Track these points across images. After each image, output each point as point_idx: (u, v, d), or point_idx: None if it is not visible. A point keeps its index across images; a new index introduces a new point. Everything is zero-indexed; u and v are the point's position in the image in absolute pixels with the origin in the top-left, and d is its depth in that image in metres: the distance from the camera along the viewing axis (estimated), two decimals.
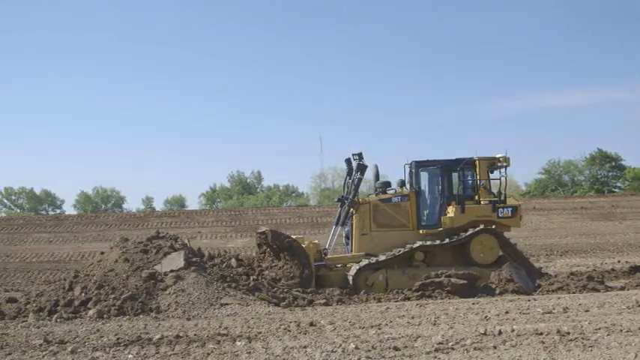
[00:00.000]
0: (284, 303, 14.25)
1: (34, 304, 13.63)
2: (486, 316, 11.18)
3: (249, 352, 8.67)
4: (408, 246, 16.98)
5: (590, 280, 16.56)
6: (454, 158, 17.84)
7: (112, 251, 15.60)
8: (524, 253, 19.75)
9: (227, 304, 13.16)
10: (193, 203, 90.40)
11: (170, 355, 8.75)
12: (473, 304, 13.26)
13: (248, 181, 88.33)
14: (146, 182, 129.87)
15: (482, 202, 17.49)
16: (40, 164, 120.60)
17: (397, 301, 14.73)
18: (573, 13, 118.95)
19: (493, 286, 15.83)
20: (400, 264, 16.99)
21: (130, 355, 8.77)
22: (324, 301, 14.92)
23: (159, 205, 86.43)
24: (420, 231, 17.59)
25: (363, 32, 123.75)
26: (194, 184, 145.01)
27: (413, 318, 11.28)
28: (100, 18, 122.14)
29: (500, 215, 17.37)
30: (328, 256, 17.80)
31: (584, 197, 49.12)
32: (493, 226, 17.23)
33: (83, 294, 13.64)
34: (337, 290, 15.94)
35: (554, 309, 11.74)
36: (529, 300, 13.66)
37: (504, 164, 17.68)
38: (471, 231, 16.95)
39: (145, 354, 8.86)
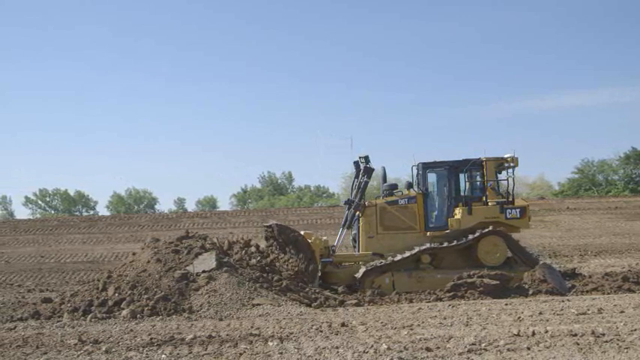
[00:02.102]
0: (316, 303, 14.24)
1: (69, 304, 13.76)
2: (519, 317, 11.08)
3: (282, 353, 8.69)
4: (417, 249, 16.83)
5: (626, 280, 16.29)
6: (461, 159, 17.68)
7: (144, 252, 15.72)
8: (538, 254, 19.53)
9: (259, 304, 13.18)
10: (225, 204, 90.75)
11: (203, 355, 8.80)
12: (506, 304, 13.15)
13: (279, 181, 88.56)
14: (178, 183, 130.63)
15: (489, 204, 17.33)
16: (73, 166, 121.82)
17: (429, 302, 14.66)
18: (603, 9, 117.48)
19: (526, 286, 15.69)
20: (407, 266, 16.85)
21: (163, 355, 8.84)
22: (355, 301, 14.89)
23: (191, 206, 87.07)
24: (428, 233, 17.48)
25: (398, 35, 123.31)
26: (225, 185, 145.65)
27: (445, 319, 11.22)
28: (139, 20, 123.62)
29: (508, 216, 17.18)
30: (336, 254, 17.79)
31: (618, 197, 48.53)
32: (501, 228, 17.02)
33: (117, 294, 13.75)
34: (369, 291, 15.90)
35: (588, 310, 11.61)
36: (563, 301, 13.51)
37: (512, 165, 17.49)
38: (478, 233, 16.78)
39: (177, 354, 8.92)
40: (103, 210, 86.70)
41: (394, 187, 18.62)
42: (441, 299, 15.00)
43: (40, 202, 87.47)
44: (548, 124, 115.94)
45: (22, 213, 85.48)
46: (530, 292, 15.29)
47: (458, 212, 17.27)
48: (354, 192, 18.15)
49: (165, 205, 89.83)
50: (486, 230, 16.78)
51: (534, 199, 49.90)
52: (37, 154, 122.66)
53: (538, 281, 15.71)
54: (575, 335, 9.15)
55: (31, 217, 69.91)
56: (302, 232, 17.21)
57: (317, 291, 15.51)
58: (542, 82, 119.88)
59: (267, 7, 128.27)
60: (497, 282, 15.35)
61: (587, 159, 65.88)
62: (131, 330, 10.97)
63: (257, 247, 16.87)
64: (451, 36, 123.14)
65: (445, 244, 16.89)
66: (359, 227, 17.91)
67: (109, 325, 11.85)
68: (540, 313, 11.41)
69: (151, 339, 9.87)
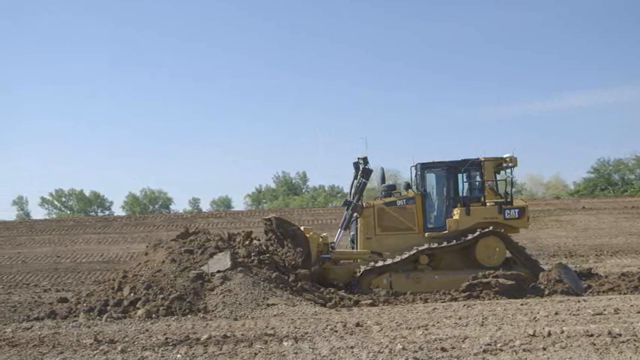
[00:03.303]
0: (330, 303, 14.27)
1: (85, 304, 13.84)
2: (535, 317, 11.03)
3: (296, 353, 8.69)
4: (415, 250, 16.75)
5: None
6: (460, 159, 17.58)
7: (157, 252, 15.80)
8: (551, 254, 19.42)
9: (274, 304, 13.21)
10: (239, 204, 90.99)
11: (218, 355, 8.82)
12: (521, 304, 13.10)
13: (293, 181, 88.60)
14: (193, 183, 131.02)
15: (488, 204, 17.24)
16: (89, 166, 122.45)
17: (444, 302, 14.64)
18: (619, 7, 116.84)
19: (542, 286, 15.62)
20: (405, 267, 16.76)
21: (178, 355, 8.86)
22: (370, 301, 14.90)
23: (205, 206, 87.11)
24: (426, 234, 17.39)
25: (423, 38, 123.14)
26: (240, 185, 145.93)
27: (460, 319, 11.19)
28: (158, 18, 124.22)
29: (506, 217, 17.09)
30: (335, 250, 17.75)
31: (635, 196, 48.15)
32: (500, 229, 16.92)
33: (132, 294, 13.82)
34: (383, 291, 15.87)
35: (605, 310, 11.54)
36: (579, 301, 13.44)
37: (511, 165, 17.37)
38: (477, 233, 16.68)
39: (193, 354, 8.94)
40: (118, 210, 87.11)
41: (392, 187, 18.62)
42: (456, 299, 14.97)
43: (56, 203, 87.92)
44: (565, 124, 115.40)
45: (38, 213, 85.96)
46: (546, 293, 15.24)
47: (456, 213, 17.20)
48: (353, 193, 18.16)
49: (180, 205, 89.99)
50: (484, 231, 16.70)
51: (550, 199, 49.68)
52: (53, 154, 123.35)
53: (554, 281, 15.64)
54: (592, 336, 9.09)
55: (47, 218, 70.25)
56: (302, 228, 17.22)
57: (332, 291, 15.55)
58: (557, 82, 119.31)
59: (280, 9, 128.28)
60: (513, 282, 15.30)
61: (603, 158, 65.53)
62: (146, 330, 11.01)
63: (257, 239, 17.04)
64: (469, 36, 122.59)
65: (443, 245, 16.81)
66: (357, 228, 17.88)
67: (125, 324, 11.90)
68: (556, 314, 11.35)
69: (167, 339, 9.90)
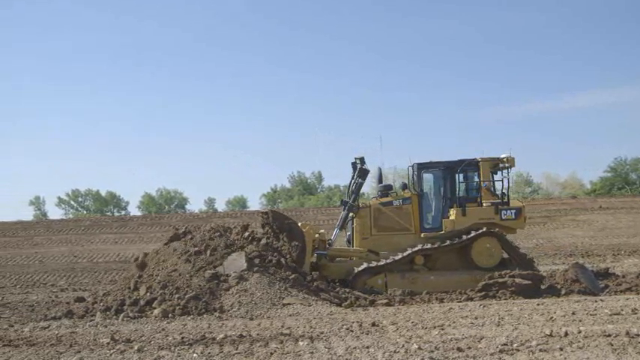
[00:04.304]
0: (346, 303, 14.26)
1: (102, 304, 13.92)
2: (552, 317, 10.98)
3: (312, 352, 8.69)
4: (410, 250, 16.69)
5: None
6: (457, 159, 17.44)
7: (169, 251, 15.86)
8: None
9: (289, 304, 13.22)
10: (255, 204, 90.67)
11: (234, 355, 8.83)
12: (538, 304, 13.05)
13: (308, 181, 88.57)
14: (208, 183, 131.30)
15: (484, 205, 17.13)
16: (105, 166, 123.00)
17: (460, 302, 14.60)
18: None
19: (558, 286, 15.54)
20: (400, 268, 16.71)
21: (194, 354, 8.89)
22: (385, 301, 14.88)
23: (221, 206, 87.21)
24: (422, 234, 17.30)
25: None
26: (255, 184, 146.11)
27: (476, 319, 11.15)
28: (178, 20, 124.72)
29: (503, 217, 16.96)
30: (333, 247, 17.69)
31: None
32: (496, 229, 16.80)
33: (148, 294, 13.88)
34: (399, 290, 15.84)
35: (622, 310, 11.46)
36: (596, 301, 13.36)
37: (508, 165, 17.19)
38: (472, 234, 16.60)
39: (209, 353, 8.96)
40: (134, 210, 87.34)
41: (389, 187, 18.51)
42: (472, 299, 14.93)
43: (72, 203, 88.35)
44: (581, 123, 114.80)
45: (55, 213, 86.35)
46: (563, 292, 15.17)
47: (452, 213, 17.09)
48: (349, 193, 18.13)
49: (195, 205, 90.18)
50: (480, 231, 16.62)
51: (566, 198, 49.43)
52: (70, 155, 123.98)
53: (571, 281, 15.57)
54: (609, 336, 9.03)
55: (64, 218, 70.65)
56: (300, 224, 17.20)
57: (347, 290, 15.53)
58: (574, 80, 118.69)
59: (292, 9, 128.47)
60: (529, 282, 15.23)
61: (620, 157, 65.15)
62: (163, 329, 11.05)
63: (253, 232, 17.05)
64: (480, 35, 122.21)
65: (437, 245, 16.74)
66: (353, 228, 17.83)
67: (141, 324, 11.96)
68: (573, 314, 11.29)
69: (183, 338, 9.93)
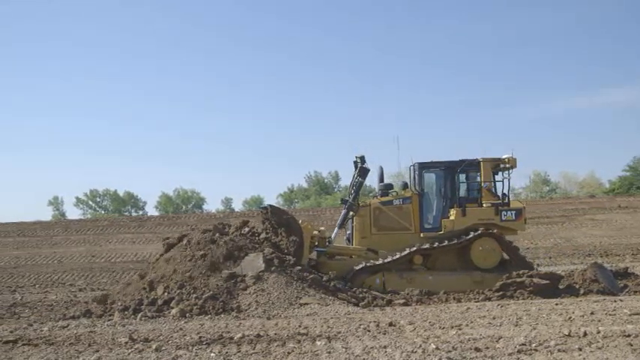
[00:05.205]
0: (363, 303, 14.26)
1: (120, 303, 13.98)
2: (570, 317, 10.90)
3: (329, 352, 8.68)
4: (408, 250, 16.63)
5: None
6: (458, 159, 17.35)
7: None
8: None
9: (306, 303, 13.23)
10: (271, 204, 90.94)
11: (251, 354, 8.83)
12: (556, 304, 12.97)
13: (325, 181, 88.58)
14: (225, 183, 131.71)
15: (484, 205, 17.04)
16: (123, 166, 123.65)
17: (478, 302, 14.54)
18: None
19: (577, 286, 15.45)
20: (398, 267, 16.63)
21: (212, 354, 8.90)
22: (403, 301, 14.86)
23: (238, 206, 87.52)
24: (422, 234, 17.23)
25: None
26: (272, 184, 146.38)
27: (494, 318, 11.10)
28: (199, 17, 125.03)
29: (503, 218, 16.84)
30: (333, 245, 17.67)
31: None
32: (495, 230, 16.69)
33: (166, 293, 13.92)
34: (416, 290, 15.80)
35: None
36: (615, 301, 13.26)
37: (509, 165, 17.02)
38: (471, 234, 16.51)
39: (226, 352, 8.97)
40: (151, 210, 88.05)
41: (389, 187, 18.42)
42: (489, 299, 14.88)
43: (90, 203, 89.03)
44: (600, 122, 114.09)
45: (73, 213, 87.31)
46: (581, 292, 15.07)
47: (452, 213, 17.03)
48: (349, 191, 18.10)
49: (212, 204, 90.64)
50: (479, 232, 16.53)
51: (584, 197, 49.13)
52: (88, 155, 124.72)
53: (589, 281, 15.46)
54: (629, 336, 8.95)
55: (82, 218, 71.17)
56: (300, 221, 17.21)
57: (364, 290, 15.51)
58: (593, 80, 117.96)
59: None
60: (548, 282, 15.15)
61: (639, 156, 64.64)
62: (180, 329, 11.08)
63: (253, 228, 17.21)
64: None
65: (435, 245, 16.67)
66: (353, 227, 17.80)
67: (159, 323, 11.99)
68: (592, 314, 11.21)
69: (200, 338, 9.95)
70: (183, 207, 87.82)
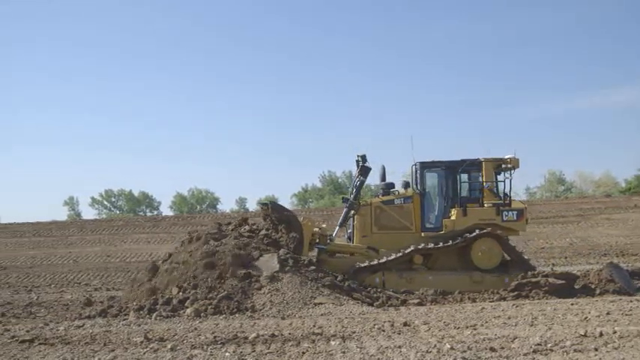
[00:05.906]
0: (377, 303, 14.25)
1: (135, 303, 14.03)
2: (586, 317, 10.86)
3: (344, 352, 8.68)
4: (406, 249, 16.56)
5: None
6: (459, 159, 17.26)
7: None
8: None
9: (321, 303, 13.24)
10: (286, 203, 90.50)
11: (266, 354, 8.84)
12: (572, 304, 12.92)
13: (339, 181, 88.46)
14: (240, 183, 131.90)
15: (485, 205, 16.93)
16: (137, 166, 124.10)
17: (493, 302, 14.50)
18: None
19: (592, 286, 15.37)
20: (398, 267, 16.55)
21: (227, 354, 8.91)
22: (417, 300, 14.84)
23: (252, 206, 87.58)
24: (422, 234, 17.14)
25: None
26: (286, 184, 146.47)
27: (509, 318, 11.07)
28: (210, 18, 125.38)
29: (504, 219, 16.73)
30: (334, 242, 17.63)
31: None
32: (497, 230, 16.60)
33: (181, 293, 13.96)
34: (431, 290, 15.75)
35: None
36: (631, 301, 13.19)
37: (511, 166, 16.91)
38: (472, 234, 16.41)
39: (241, 352, 8.98)
40: (166, 210, 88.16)
41: (391, 186, 18.34)
42: (505, 299, 14.83)
43: (105, 203, 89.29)
44: (616, 120, 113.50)
45: (88, 213, 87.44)
46: (597, 292, 15.00)
47: (453, 213, 16.95)
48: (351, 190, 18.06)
49: (227, 204, 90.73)
50: (478, 232, 16.44)
51: (600, 197, 48.86)
52: (103, 155, 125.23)
53: (605, 281, 15.38)
54: None
55: (97, 218, 71.52)
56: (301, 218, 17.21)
57: (379, 290, 15.50)
58: (608, 78, 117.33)
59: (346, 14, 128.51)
60: (563, 281, 15.08)
61: None
62: (195, 328, 11.11)
63: (250, 224, 17.20)
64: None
65: (432, 245, 16.59)
66: (354, 226, 17.75)
67: (174, 323, 12.02)
68: (608, 314, 11.16)
69: (215, 337, 9.97)
70: (198, 207, 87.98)
